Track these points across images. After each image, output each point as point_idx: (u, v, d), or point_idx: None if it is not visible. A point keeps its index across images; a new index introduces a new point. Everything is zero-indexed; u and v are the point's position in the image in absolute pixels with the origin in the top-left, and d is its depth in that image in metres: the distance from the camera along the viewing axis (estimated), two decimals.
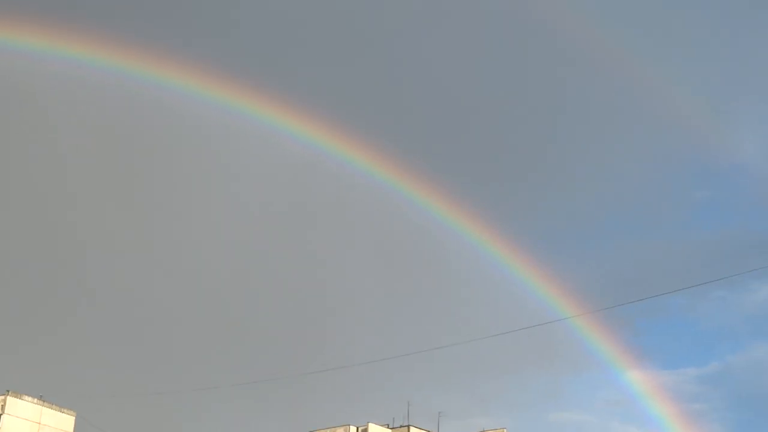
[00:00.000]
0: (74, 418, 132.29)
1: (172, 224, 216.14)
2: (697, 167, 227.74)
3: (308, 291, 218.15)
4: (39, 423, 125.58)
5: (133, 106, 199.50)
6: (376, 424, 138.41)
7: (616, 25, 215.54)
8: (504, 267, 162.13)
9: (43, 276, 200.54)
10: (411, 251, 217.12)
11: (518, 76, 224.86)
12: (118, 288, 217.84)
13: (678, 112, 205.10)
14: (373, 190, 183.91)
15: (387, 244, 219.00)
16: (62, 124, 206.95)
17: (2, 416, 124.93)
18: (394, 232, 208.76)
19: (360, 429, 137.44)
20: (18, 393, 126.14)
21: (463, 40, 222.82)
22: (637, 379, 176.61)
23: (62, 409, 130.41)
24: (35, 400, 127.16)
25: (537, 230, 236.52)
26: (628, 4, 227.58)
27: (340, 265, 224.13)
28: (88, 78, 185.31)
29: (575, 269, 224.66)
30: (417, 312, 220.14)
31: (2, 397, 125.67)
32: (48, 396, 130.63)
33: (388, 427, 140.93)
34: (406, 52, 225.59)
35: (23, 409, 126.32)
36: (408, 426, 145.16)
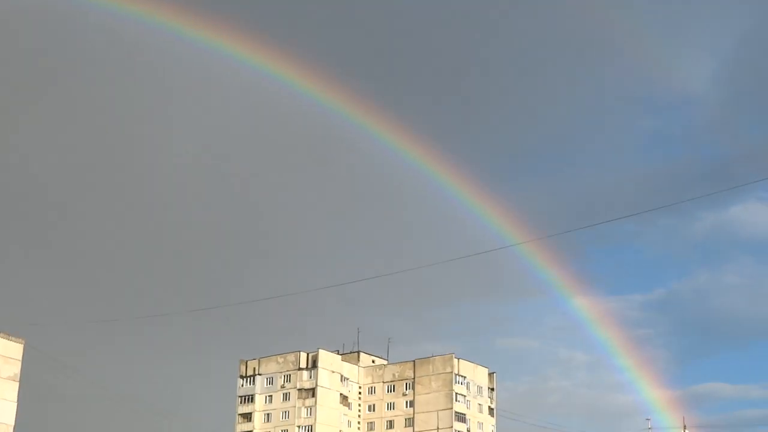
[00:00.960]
0: (23, 345, 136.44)
1: (129, 158, 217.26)
2: (647, 98, 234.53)
3: (258, 220, 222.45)
4: None
5: (127, 47, 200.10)
6: (326, 350, 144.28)
7: None
8: (453, 197, 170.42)
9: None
10: (360, 180, 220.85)
11: (475, 25, 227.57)
12: (75, 220, 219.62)
13: (627, 44, 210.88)
14: (321, 121, 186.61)
15: (337, 173, 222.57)
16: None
17: None
18: (343, 161, 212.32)
19: (310, 355, 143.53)
20: None
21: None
22: (584, 305, 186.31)
23: (10, 337, 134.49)
24: None
25: (487, 162, 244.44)
26: None
27: (291, 194, 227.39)
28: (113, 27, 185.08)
29: (525, 199, 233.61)
30: (366, 239, 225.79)
31: None
32: None
33: (338, 353, 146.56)
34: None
35: None
36: (358, 352, 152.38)
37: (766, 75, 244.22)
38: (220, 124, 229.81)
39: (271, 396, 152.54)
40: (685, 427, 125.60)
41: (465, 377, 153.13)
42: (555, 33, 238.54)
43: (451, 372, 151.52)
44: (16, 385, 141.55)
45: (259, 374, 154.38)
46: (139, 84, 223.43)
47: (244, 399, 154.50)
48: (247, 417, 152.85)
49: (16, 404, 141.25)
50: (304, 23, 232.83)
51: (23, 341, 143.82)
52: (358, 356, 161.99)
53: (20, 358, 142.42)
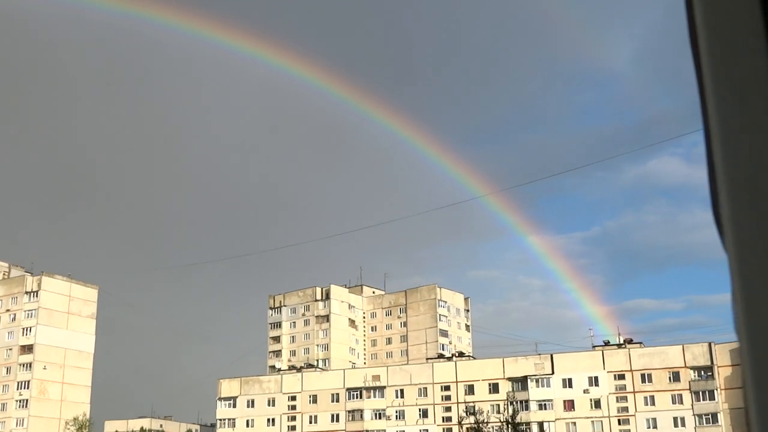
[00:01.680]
0: (97, 291, 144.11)
1: (172, 137, 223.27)
2: (579, 77, 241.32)
3: (280, 185, 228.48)
4: (69, 296, 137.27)
5: (139, 47, 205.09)
6: (336, 285, 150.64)
7: None
8: (432, 161, 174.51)
9: (72, 176, 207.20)
10: (359, 152, 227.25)
11: (448, 23, 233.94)
12: (132, 187, 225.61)
13: (563, 34, 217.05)
14: (325, 104, 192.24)
15: (341, 147, 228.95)
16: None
17: (39, 292, 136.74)
18: (345, 138, 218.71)
19: (324, 289, 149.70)
20: (51, 273, 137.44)
21: None
22: (537, 242, 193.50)
23: (87, 284, 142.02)
24: (65, 278, 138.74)
25: (457, 132, 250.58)
26: None
27: (301, 163, 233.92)
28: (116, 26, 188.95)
29: (487, 160, 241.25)
30: (365, 197, 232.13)
31: (38, 277, 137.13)
32: (75, 273, 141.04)
33: (345, 287, 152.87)
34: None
35: (56, 285, 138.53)
36: (361, 285, 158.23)
37: (673, 56, 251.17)
38: (247, 111, 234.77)
39: (294, 322, 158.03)
40: (619, 334, 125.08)
41: (446, 302, 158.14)
42: (510, 29, 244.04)
43: (435, 298, 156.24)
44: (93, 321, 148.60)
45: (284, 306, 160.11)
46: (192, 82, 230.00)
47: (273, 325, 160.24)
48: (276, 339, 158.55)
49: (94, 336, 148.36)
50: (311, 32, 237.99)
51: (97, 287, 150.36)
52: (362, 289, 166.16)
53: (95, 300, 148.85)
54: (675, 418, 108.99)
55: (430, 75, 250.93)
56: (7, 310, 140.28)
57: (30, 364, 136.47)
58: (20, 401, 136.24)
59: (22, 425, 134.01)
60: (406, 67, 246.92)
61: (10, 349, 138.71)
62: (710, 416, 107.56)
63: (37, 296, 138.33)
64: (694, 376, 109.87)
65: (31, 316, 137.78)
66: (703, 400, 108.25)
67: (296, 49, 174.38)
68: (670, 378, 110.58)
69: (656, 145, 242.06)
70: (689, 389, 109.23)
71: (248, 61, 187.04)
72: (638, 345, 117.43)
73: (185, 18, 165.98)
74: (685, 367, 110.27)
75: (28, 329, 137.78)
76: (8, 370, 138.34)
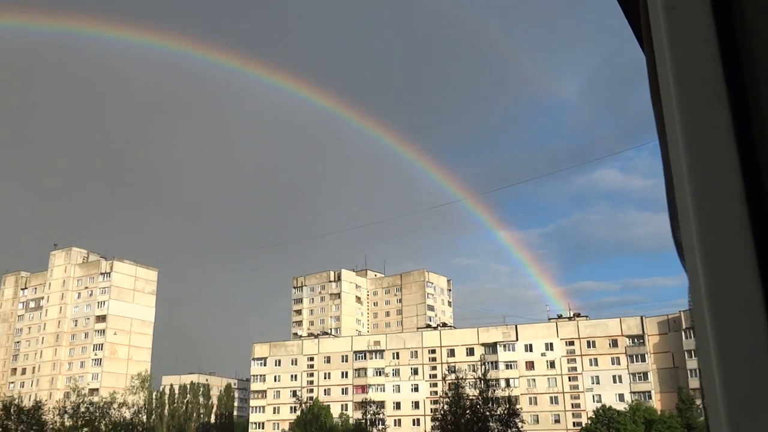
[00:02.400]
0: (157, 272, 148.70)
1: (221, 150, 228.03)
2: (537, 104, 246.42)
3: (301, 190, 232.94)
4: (135, 277, 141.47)
5: (189, 81, 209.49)
6: (346, 269, 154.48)
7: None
8: (422, 171, 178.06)
9: (138, 181, 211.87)
10: (364, 163, 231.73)
11: (429, 54, 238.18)
12: (188, 190, 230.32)
13: (522, 70, 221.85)
14: (340, 127, 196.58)
15: (351, 157, 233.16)
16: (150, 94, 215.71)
17: (111, 273, 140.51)
18: (354, 150, 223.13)
19: (336, 273, 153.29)
20: (121, 258, 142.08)
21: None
22: (504, 236, 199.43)
23: (149, 267, 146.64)
24: (131, 262, 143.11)
25: (442, 149, 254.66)
26: None
27: (319, 174, 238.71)
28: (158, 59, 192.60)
29: (465, 171, 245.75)
30: (367, 200, 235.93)
31: (111, 261, 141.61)
32: (140, 258, 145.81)
33: (353, 271, 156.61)
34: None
35: (124, 268, 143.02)
36: (365, 269, 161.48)
37: (611, 89, 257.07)
38: (278, 132, 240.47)
39: (312, 298, 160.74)
40: (570, 309, 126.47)
41: (432, 283, 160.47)
42: (482, 67, 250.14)
43: (424, 280, 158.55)
44: (153, 297, 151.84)
45: (305, 285, 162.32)
46: (235, 108, 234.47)
47: (296, 301, 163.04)
48: (298, 312, 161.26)
49: (154, 309, 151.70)
50: (326, 67, 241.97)
51: (157, 269, 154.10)
52: (366, 273, 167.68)
53: (156, 279, 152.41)
54: (614, 376, 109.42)
55: (421, 104, 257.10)
56: (86, 287, 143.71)
57: (103, 330, 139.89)
58: (95, 360, 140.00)
59: (97, 379, 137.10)
60: (403, 98, 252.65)
61: (88, 319, 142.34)
62: (642, 374, 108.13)
63: (109, 277, 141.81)
64: (629, 342, 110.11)
65: (105, 293, 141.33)
66: (636, 362, 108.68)
67: (320, 83, 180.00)
68: (610, 344, 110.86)
69: (598, 160, 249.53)
70: (625, 353, 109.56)
71: (279, 92, 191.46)
72: (585, 318, 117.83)
73: (231, 58, 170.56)
74: (622, 335, 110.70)
75: (102, 303, 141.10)
76: (86, 335, 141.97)
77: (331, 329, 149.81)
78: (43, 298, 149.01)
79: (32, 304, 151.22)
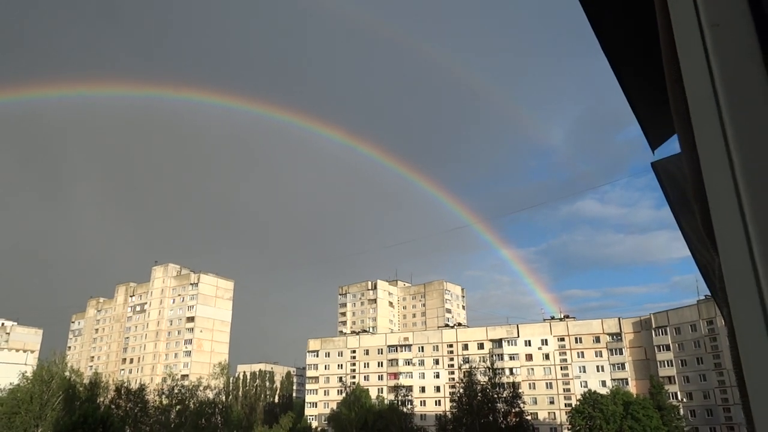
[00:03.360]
0: (233, 283, 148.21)
1: (281, 187, 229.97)
2: (531, 148, 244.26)
3: (345, 217, 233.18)
4: (216, 286, 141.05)
5: (257, 133, 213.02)
6: (381, 280, 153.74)
7: (462, 53, 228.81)
8: (440, 202, 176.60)
9: (222, 213, 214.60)
10: (393, 196, 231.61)
11: (446, 102, 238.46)
12: (258, 221, 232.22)
13: (518, 120, 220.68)
14: (374, 167, 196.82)
15: (378, 193, 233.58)
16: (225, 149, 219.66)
17: (198, 284, 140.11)
18: (379, 185, 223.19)
19: (373, 282, 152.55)
20: (206, 271, 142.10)
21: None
22: (506, 253, 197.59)
23: (227, 278, 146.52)
24: (214, 275, 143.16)
25: (456, 183, 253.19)
26: (462, 30, 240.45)
27: (358, 203, 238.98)
28: (204, 113, 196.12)
29: (475, 201, 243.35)
30: (397, 224, 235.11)
31: (198, 274, 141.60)
32: (220, 271, 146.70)
33: (387, 281, 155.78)
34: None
35: (209, 280, 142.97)
36: (396, 280, 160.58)
37: (591, 135, 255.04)
38: (324, 172, 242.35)
39: (354, 303, 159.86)
40: (560, 312, 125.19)
41: (450, 291, 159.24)
42: (485, 118, 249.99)
43: (443, 289, 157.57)
44: (231, 302, 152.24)
45: (348, 293, 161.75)
46: (288, 154, 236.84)
47: (342, 305, 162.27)
48: (343, 314, 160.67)
49: (231, 311, 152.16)
50: (360, 117, 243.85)
51: (233, 281, 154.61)
52: (397, 282, 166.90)
53: (232, 288, 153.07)
54: (597, 366, 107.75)
55: (438, 148, 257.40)
56: (179, 295, 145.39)
57: (192, 328, 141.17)
58: (186, 352, 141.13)
59: (187, 367, 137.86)
60: (425, 144, 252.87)
61: (180, 320, 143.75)
62: (620, 365, 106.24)
63: (197, 287, 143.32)
64: (609, 339, 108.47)
65: (193, 299, 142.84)
66: (615, 354, 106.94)
67: (359, 133, 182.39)
68: (593, 340, 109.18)
69: (580, 193, 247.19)
70: (606, 347, 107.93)
71: (327, 141, 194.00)
72: (573, 319, 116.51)
73: (289, 114, 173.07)
74: (603, 333, 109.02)
75: (192, 307, 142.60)
76: (179, 332, 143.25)
77: (369, 328, 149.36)
78: (146, 303, 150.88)
79: (138, 308, 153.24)
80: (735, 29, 0.75)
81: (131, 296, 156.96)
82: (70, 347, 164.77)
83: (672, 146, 3.00)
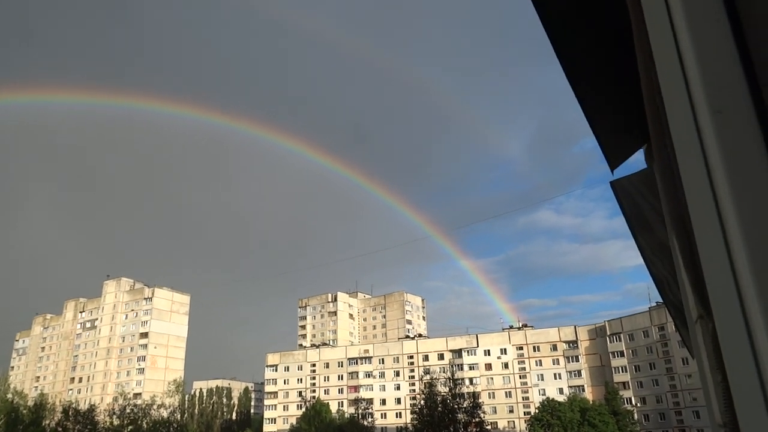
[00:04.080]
0: (189, 297, 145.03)
1: (240, 201, 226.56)
2: (489, 160, 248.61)
3: (306, 228, 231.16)
4: (172, 300, 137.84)
5: (219, 146, 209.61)
6: (341, 292, 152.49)
7: (424, 68, 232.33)
8: (401, 214, 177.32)
9: (179, 226, 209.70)
10: (353, 208, 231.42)
11: (417, 121, 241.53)
12: (215, 232, 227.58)
13: (477, 132, 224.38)
14: (334, 179, 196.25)
15: (337, 204, 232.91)
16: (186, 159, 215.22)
17: (153, 298, 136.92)
18: (339, 196, 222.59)
19: (333, 295, 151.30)
20: (161, 285, 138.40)
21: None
22: (466, 264, 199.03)
23: (182, 292, 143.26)
24: (169, 289, 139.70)
25: (416, 195, 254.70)
26: (432, 52, 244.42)
27: (319, 216, 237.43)
28: (181, 128, 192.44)
29: (435, 213, 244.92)
30: (358, 235, 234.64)
31: (152, 288, 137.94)
32: (175, 285, 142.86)
33: (347, 293, 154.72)
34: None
35: (164, 294, 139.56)
36: (356, 291, 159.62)
37: (546, 149, 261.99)
38: (284, 184, 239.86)
39: (314, 316, 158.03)
40: (519, 321, 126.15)
41: (410, 302, 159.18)
42: (446, 131, 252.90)
43: (403, 300, 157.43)
44: (187, 316, 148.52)
45: (308, 305, 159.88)
46: (248, 166, 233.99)
47: (301, 318, 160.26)
48: (303, 327, 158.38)
49: (187, 326, 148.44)
50: (325, 131, 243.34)
51: (190, 294, 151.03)
52: (357, 294, 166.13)
53: (188, 303, 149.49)
54: (555, 374, 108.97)
55: (401, 162, 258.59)
56: (132, 310, 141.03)
57: (146, 345, 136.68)
58: (139, 369, 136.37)
59: (140, 385, 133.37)
60: (388, 157, 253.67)
61: (133, 335, 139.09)
62: (576, 372, 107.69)
63: (151, 301, 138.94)
64: (566, 347, 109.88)
65: (147, 314, 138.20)
66: (572, 362, 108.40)
67: (321, 146, 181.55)
68: (551, 348, 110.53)
69: (537, 204, 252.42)
70: (563, 355, 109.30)
71: (283, 150, 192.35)
72: (531, 328, 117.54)
73: (253, 127, 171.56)
74: (560, 341, 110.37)
75: (145, 322, 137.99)
76: (132, 349, 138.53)
77: (329, 340, 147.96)
78: (97, 319, 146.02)
79: (88, 325, 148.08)
80: (736, 117, 0.78)
81: (81, 312, 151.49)
82: (13, 367, 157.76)
83: (630, 166, 3.14)
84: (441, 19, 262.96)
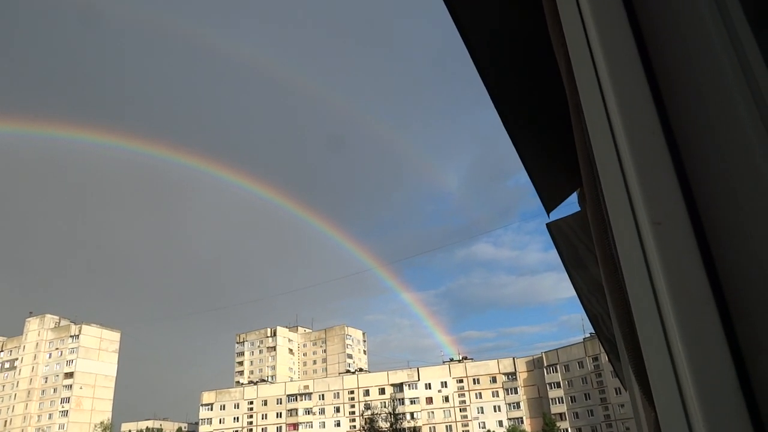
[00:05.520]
0: (119, 334, 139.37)
1: (176, 234, 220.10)
2: (427, 194, 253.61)
3: (243, 264, 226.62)
4: (100, 338, 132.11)
5: (156, 178, 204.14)
6: (281, 326, 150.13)
7: (362, 103, 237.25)
8: (344, 248, 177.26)
9: (107, 260, 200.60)
10: (292, 240, 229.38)
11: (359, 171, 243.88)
12: (147, 267, 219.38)
13: (416, 167, 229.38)
14: (275, 213, 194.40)
15: (278, 239, 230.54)
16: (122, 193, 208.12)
17: (80, 336, 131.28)
18: (278, 229, 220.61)
19: (272, 329, 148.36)
20: (88, 322, 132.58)
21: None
22: (407, 297, 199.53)
23: (112, 329, 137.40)
24: (97, 325, 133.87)
25: (359, 231, 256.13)
26: (372, 90, 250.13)
27: (255, 250, 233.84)
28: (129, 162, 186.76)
29: (375, 245, 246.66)
30: (297, 269, 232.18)
31: (79, 325, 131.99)
32: (105, 321, 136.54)
33: (287, 327, 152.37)
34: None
35: (91, 331, 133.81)
36: (297, 326, 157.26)
37: (483, 183, 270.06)
38: (222, 218, 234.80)
39: (253, 351, 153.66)
40: (459, 353, 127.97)
41: (351, 336, 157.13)
42: (378, 166, 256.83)
43: (344, 334, 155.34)
44: (116, 354, 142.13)
45: (246, 340, 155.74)
46: (188, 199, 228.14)
47: (239, 354, 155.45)
48: (241, 363, 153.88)
49: (116, 365, 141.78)
50: (271, 168, 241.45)
51: (120, 331, 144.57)
52: (297, 329, 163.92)
53: (118, 340, 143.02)
54: (494, 406, 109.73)
55: (340, 195, 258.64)
56: (56, 349, 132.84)
57: (71, 385, 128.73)
58: (62, 411, 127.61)
59: (63, 429, 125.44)
60: (327, 190, 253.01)
61: (57, 376, 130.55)
62: (515, 404, 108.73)
63: (78, 339, 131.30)
64: (505, 379, 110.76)
65: (73, 353, 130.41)
66: (511, 394, 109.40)
67: (263, 179, 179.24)
68: (490, 380, 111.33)
69: (475, 237, 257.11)
70: (502, 387, 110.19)
71: (230, 185, 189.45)
72: (471, 360, 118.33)
73: (191, 158, 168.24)
74: (499, 373, 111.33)
75: (71, 361, 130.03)
76: (55, 390, 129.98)
77: (268, 377, 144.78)
78: (17, 359, 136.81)
79: (7, 365, 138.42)
80: (675, 229, 0.85)
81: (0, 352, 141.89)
82: None
83: (563, 209, 3.35)
84: (381, 57, 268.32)
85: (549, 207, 3.08)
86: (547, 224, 3.18)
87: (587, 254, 3.51)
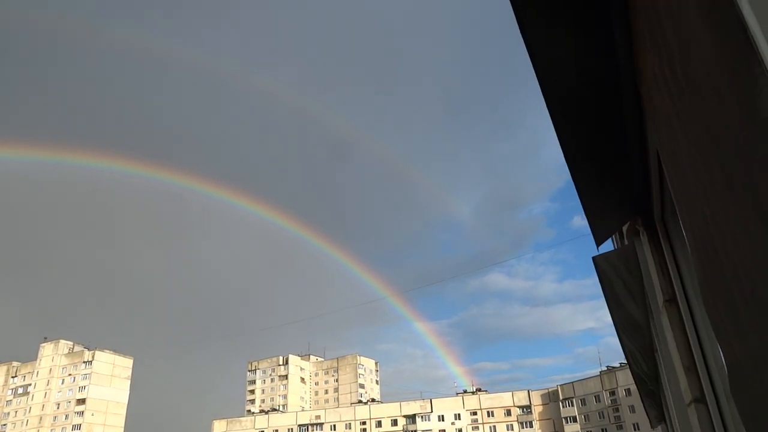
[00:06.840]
0: (132, 360, 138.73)
1: (187, 261, 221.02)
2: (441, 224, 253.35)
3: (257, 292, 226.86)
4: (113, 364, 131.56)
5: (169, 204, 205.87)
6: (293, 354, 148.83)
7: (381, 133, 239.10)
8: (358, 277, 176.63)
9: (121, 288, 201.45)
10: (307, 269, 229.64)
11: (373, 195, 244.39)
12: (160, 294, 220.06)
13: (431, 198, 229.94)
14: (288, 239, 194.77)
15: (289, 264, 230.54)
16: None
17: (93, 362, 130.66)
18: (291, 256, 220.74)
19: (284, 357, 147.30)
20: (102, 347, 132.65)
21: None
22: (420, 326, 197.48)
23: (125, 355, 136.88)
24: (110, 351, 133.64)
25: (372, 260, 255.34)
26: (390, 122, 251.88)
27: (269, 278, 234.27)
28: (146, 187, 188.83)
29: (389, 274, 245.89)
30: (310, 298, 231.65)
31: (93, 351, 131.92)
32: (118, 347, 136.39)
33: (299, 356, 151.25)
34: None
35: (104, 357, 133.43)
36: (309, 354, 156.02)
37: (495, 214, 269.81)
38: (238, 247, 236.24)
39: (264, 380, 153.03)
40: (473, 385, 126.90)
41: (363, 365, 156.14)
42: (401, 196, 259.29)
43: (356, 363, 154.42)
44: (128, 381, 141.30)
45: (258, 368, 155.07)
46: (198, 227, 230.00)
47: (251, 382, 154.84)
48: (252, 391, 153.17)
49: (128, 391, 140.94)
50: (281, 194, 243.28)
51: (132, 358, 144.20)
52: (309, 357, 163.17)
53: (131, 366, 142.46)
54: None
55: (356, 225, 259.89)
56: (69, 374, 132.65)
57: (83, 412, 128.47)
58: None
59: None
60: (342, 220, 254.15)
61: (69, 402, 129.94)
62: None
63: (91, 365, 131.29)
64: (520, 411, 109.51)
65: (86, 378, 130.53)
66: (526, 427, 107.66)
67: (276, 207, 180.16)
68: (505, 413, 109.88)
69: (488, 267, 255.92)
70: (517, 420, 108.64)
71: (234, 209, 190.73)
72: (485, 392, 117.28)
73: (204, 185, 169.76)
74: (514, 406, 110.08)
75: (83, 387, 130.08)
76: (67, 416, 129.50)
77: (279, 406, 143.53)
78: (30, 384, 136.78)
79: (20, 390, 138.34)
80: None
81: (13, 377, 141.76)
82: None
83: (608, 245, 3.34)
84: (400, 91, 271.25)
85: (598, 240, 3.10)
86: (593, 258, 3.17)
87: (624, 291, 3.50)
